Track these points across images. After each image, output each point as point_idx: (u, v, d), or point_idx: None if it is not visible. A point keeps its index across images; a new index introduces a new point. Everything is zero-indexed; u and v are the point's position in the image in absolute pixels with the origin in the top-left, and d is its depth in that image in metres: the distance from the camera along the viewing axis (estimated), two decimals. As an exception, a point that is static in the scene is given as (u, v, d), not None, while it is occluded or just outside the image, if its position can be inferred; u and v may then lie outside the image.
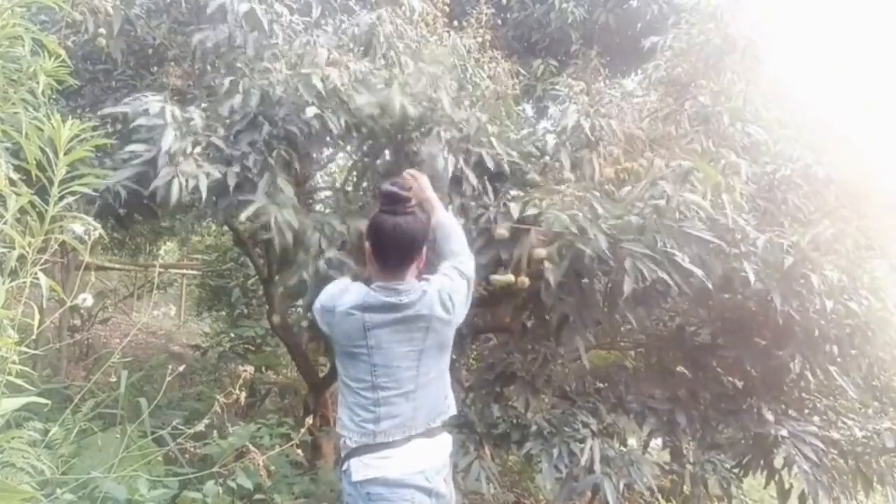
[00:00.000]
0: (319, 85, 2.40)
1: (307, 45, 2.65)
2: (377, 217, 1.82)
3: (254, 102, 2.44)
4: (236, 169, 2.36)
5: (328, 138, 2.51)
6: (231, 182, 2.32)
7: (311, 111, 2.35)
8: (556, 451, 2.67)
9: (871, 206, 3.21)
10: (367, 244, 1.83)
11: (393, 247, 1.80)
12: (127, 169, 2.35)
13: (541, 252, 2.41)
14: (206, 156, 2.35)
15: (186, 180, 2.21)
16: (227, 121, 2.50)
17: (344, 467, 1.83)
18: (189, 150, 2.28)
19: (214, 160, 2.36)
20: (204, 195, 2.23)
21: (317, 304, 1.86)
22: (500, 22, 4.88)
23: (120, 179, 2.35)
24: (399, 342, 1.78)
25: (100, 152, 2.59)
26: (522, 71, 3.98)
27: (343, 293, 1.81)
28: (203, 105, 2.63)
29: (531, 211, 2.49)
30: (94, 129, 2.09)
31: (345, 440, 1.83)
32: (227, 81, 2.54)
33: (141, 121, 2.32)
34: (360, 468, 1.77)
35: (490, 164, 2.68)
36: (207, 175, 2.26)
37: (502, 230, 2.49)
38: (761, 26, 3.34)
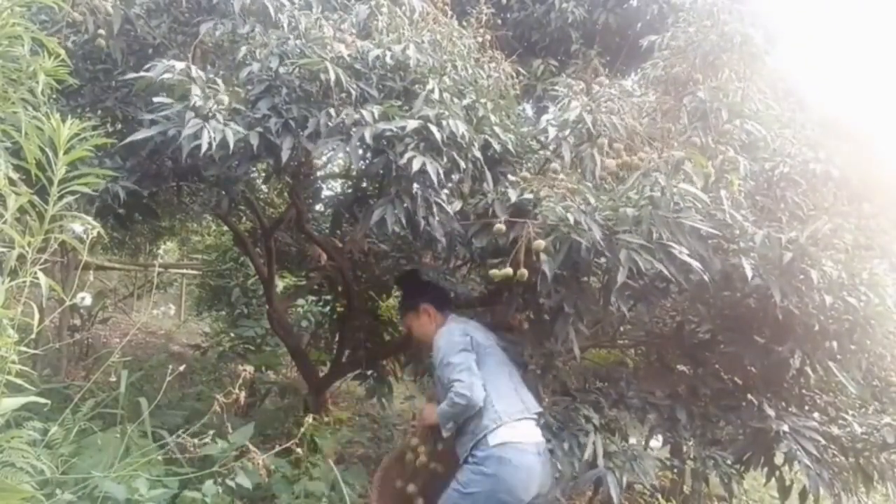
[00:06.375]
0: (337, 48, 2.55)
1: (312, 27, 2.73)
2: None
3: (274, 65, 2.54)
4: (259, 129, 2.45)
5: (344, 96, 2.58)
6: (254, 142, 2.40)
7: (331, 70, 2.44)
8: (566, 446, 2.67)
9: (870, 203, 3.21)
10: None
11: None
12: (152, 128, 2.41)
13: (540, 243, 2.42)
14: (230, 118, 2.43)
15: (214, 132, 2.29)
16: (247, 87, 2.58)
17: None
18: (214, 107, 2.37)
19: (237, 123, 2.44)
20: (231, 144, 2.31)
21: None
22: (500, 22, 4.87)
23: (145, 137, 2.42)
24: None
25: (100, 152, 2.59)
26: (522, 71, 3.98)
27: None
28: (221, 73, 2.68)
29: (527, 196, 2.54)
30: (94, 128, 2.10)
31: None
32: (243, 49, 2.62)
33: (166, 75, 2.37)
34: None
35: (497, 147, 2.76)
36: (235, 132, 2.35)
37: (500, 224, 2.52)
38: (758, 24, 3.35)
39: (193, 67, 2.45)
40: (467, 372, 2.49)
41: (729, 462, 3.05)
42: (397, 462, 2.97)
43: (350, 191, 3.97)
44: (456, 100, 2.71)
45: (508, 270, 2.45)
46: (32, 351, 1.76)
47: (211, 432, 2.37)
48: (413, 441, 2.95)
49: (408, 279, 3.27)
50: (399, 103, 2.58)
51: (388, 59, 2.63)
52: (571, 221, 2.37)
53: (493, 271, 2.51)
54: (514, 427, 2.50)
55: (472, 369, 2.51)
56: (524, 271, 2.43)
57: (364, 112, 2.43)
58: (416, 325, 2.94)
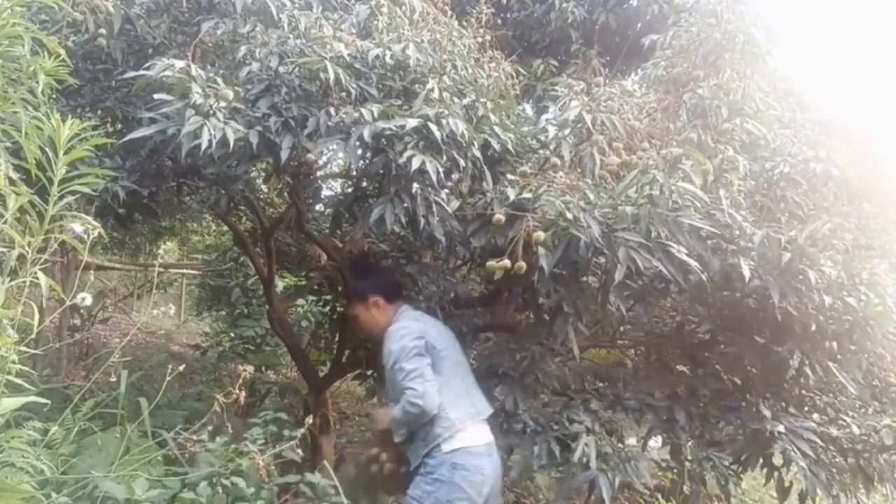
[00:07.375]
0: (336, 47, 2.55)
1: (312, 26, 2.73)
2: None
3: (274, 64, 2.53)
4: (259, 128, 2.45)
5: (344, 95, 2.58)
6: (254, 141, 2.40)
7: (331, 69, 2.44)
8: (536, 449, 2.67)
9: (870, 203, 3.21)
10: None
11: None
12: (151, 127, 2.41)
13: (540, 234, 2.40)
14: (230, 117, 2.43)
15: (214, 130, 2.29)
16: (247, 87, 2.58)
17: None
18: (214, 105, 2.37)
19: (237, 122, 2.44)
20: (231, 142, 2.31)
21: None
22: (500, 22, 4.87)
23: (145, 136, 2.43)
24: None
25: (100, 151, 2.60)
26: (522, 71, 3.98)
27: None
28: (221, 72, 2.68)
29: (526, 194, 2.54)
30: (95, 128, 2.10)
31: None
32: (243, 49, 2.61)
33: (167, 72, 2.37)
34: None
35: (496, 146, 2.76)
36: (234, 131, 2.35)
37: (500, 215, 2.51)
38: (760, 23, 3.35)
39: (193, 66, 2.45)
40: (420, 379, 2.45)
41: (727, 463, 3.05)
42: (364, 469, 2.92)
43: (350, 190, 3.97)
44: (456, 99, 2.71)
45: (506, 262, 2.43)
46: (32, 351, 1.76)
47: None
48: (372, 451, 2.85)
49: (358, 266, 3.05)
50: (399, 102, 2.58)
51: (387, 59, 2.63)
52: (571, 217, 2.36)
53: (491, 263, 2.49)
54: (467, 431, 2.50)
55: (424, 376, 2.46)
56: (522, 264, 2.41)
57: (364, 111, 2.43)
58: (365, 318, 2.81)
